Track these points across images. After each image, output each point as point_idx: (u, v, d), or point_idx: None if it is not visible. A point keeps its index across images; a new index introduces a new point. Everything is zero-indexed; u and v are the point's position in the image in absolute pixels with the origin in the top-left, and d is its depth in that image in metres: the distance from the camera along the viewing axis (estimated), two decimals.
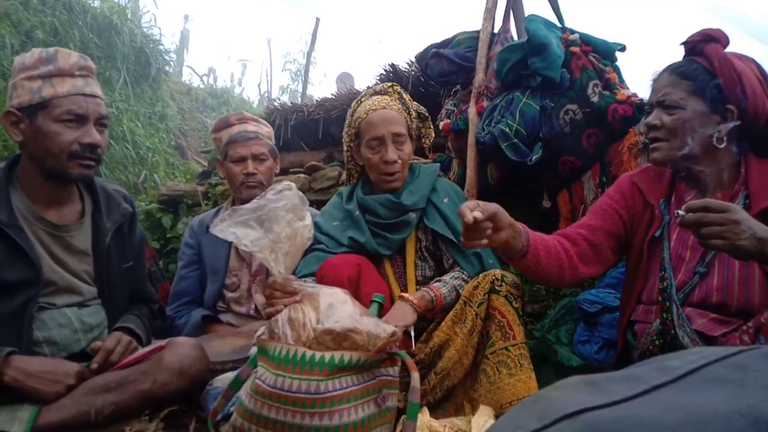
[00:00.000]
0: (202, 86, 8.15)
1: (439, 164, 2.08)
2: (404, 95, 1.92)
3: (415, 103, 1.96)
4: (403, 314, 1.58)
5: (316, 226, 1.87)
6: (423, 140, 2.00)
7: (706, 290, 1.38)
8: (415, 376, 1.30)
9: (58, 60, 1.50)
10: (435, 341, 1.59)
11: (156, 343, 1.62)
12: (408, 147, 1.84)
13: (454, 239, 1.76)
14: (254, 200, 1.40)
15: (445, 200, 1.85)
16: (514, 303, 1.52)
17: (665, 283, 1.40)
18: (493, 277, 1.55)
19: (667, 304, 1.38)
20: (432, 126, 2.01)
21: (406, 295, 1.65)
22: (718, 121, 1.39)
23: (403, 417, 1.27)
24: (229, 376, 1.55)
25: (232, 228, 1.37)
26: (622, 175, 1.69)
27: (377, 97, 1.89)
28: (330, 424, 1.22)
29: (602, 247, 1.54)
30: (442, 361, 1.55)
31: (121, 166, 5.17)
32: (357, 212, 1.85)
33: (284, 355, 1.28)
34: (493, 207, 1.35)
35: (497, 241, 1.37)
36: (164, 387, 1.44)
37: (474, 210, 1.29)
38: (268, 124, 2.34)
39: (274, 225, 1.36)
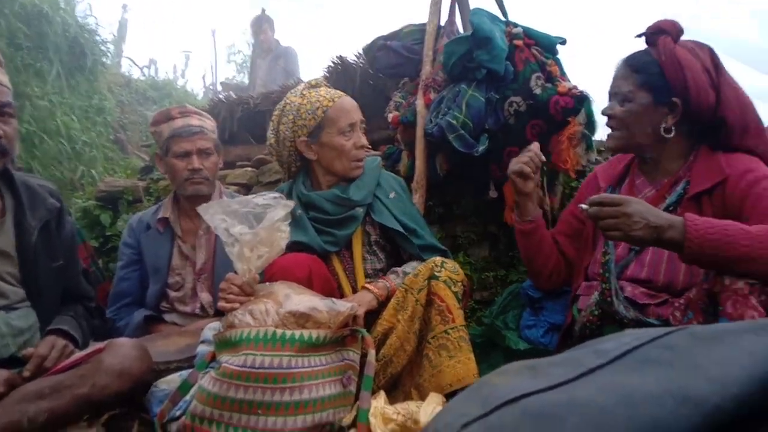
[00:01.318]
0: (142, 78, 7.82)
1: (380, 158, 2.07)
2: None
3: None
4: (363, 299, 1.64)
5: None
6: None
7: (640, 265, 1.49)
8: (372, 352, 1.41)
9: None
10: (378, 329, 1.61)
11: (94, 346, 1.54)
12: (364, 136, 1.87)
13: (404, 232, 1.77)
14: (247, 197, 1.50)
15: (391, 195, 1.86)
16: (453, 287, 1.55)
17: (607, 257, 1.50)
18: (433, 264, 1.58)
19: (607, 275, 1.47)
20: None
21: (368, 284, 1.70)
22: (666, 112, 1.48)
23: (361, 391, 1.35)
24: (175, 377, 1.50)
25: (221, 214, 1.43)
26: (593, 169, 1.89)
27: (323, 89, 1.86)
28: (300, 399, 1.30)
29: (576, 242, 1.73)
30: (384, 348, 1.57)
31: (56, 161, 4.90)
32: (299, 211, 1.80)
33: (254, 335, 1.34)
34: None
35: (526, 189, 1.64)
36: (104, 390, 1.37)
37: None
38: (212, 118, 2.27)
39: (261, 226, 1.43)
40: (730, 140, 1.47)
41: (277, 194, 1.52)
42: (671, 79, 1.45)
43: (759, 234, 1.19)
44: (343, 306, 1.43)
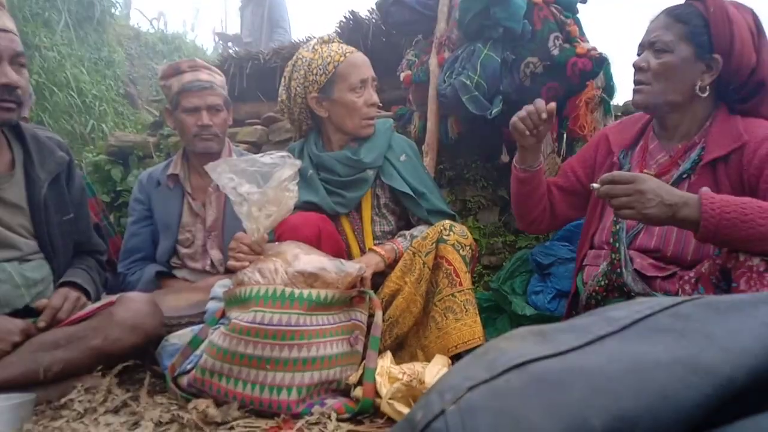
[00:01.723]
0: (151, 31, 7.69)
1: (392, 120, 2.04)
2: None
3: None
4: (370, 261, 1.64)
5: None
6: None
7: (648, 236, 1.46)
8: (379, 313, 1.43)
9: None
10: (385, 291, 1.63)
11: (107, 299, 1.57)
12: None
13: (413, 195, 1.76)
14: (255, 156, 1.48)
15: (402, 157, 1.83)
16: (461, 251, 1.56)
17: (618, 226, 1.48)
18: (442, 227, 1.58)
19: (617, 245, 1.45)
20: None
21: (375, 247, 1.70)
22: (704, 69, 1.41)
23: (368, 351, 1.38)
24: (186, 332, 1.53)
25: (229, 173, 1.43)
26: (603, 129, 1.80)
27: (335, 44, 1.82)
28: (307, 356, 1.32)
29: (567, 199, 1.71)
30: (390, 309, 1.59)
31: (66, 115, 4.88)
32: (310, 171, 1.80)
33: (263, 293, 1.36)
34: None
35: (529, 139, 1.57)
36: (116, 343, 1.41)
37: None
38: (221, 73, 2.23)
39: (269, 185, 1.42)
40: (760, 105, 1.42)
41: (284, 153, 1.50)
42: (717, 34, 1.38)
43: None
44: (352, 267, 1.44)
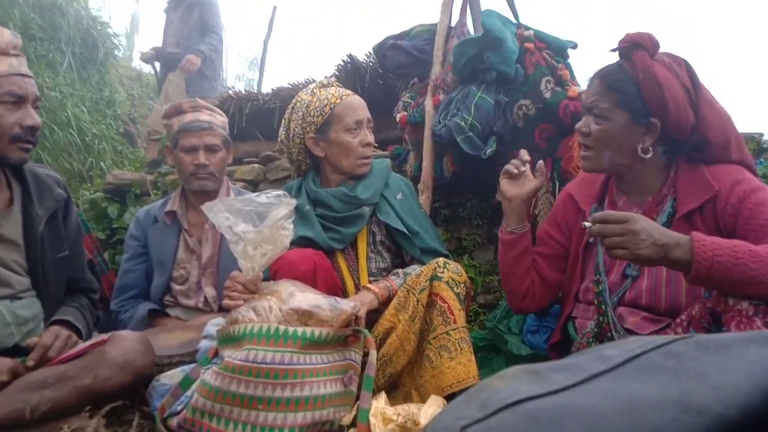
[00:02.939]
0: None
1: (389, 159, 2.08)
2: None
3: None
4: (365, 299, 1.63)
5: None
6: None
7: (636, 292, 1.43)
8: (373, 353, 1.42)
9: None
10: (379, 329, 1.61)
11: (98, 337, 1.55)
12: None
13: (408, 233, 1.77)
14: (251, 195, 1.49)
15: (398, 196, 1.86)
16: (455, 288, 1.55)
17: (600, 287, 1.45)
18: (436, 265, 1.58)
19: (603, 307, 1.43)
20: None
21: (369, 285, 1.69)
22: (643, 132, 1.40)
23: (362, 391, 1.35)
24: (177, 372, 1.51)
25: (225, 212, 1.44)
26: (564, 188, 1.76)
27: (335, 87, 1.88)
28: (300, 395, 1.30)
29: (553, 264, 1.65)
30: (384, 348, 1.57)
31: (65, 153, 4.92)
32: (307, 207, 1.82)
33: (257, 330, 1.35)
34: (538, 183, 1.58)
35: (511, 192, 1.56)
36: (106, 382, 1.38)
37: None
38: (223, 113, 2.28)
39: (264, 224, 1.43)
40: (712, 156, 1.40)
41: (280, 192, 1.52)
42: (649, 99, 1.36)
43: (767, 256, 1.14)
44: (347, 305, 1.44)
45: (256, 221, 1.44)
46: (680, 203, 1.40)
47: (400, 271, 1.78)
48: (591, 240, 1.52)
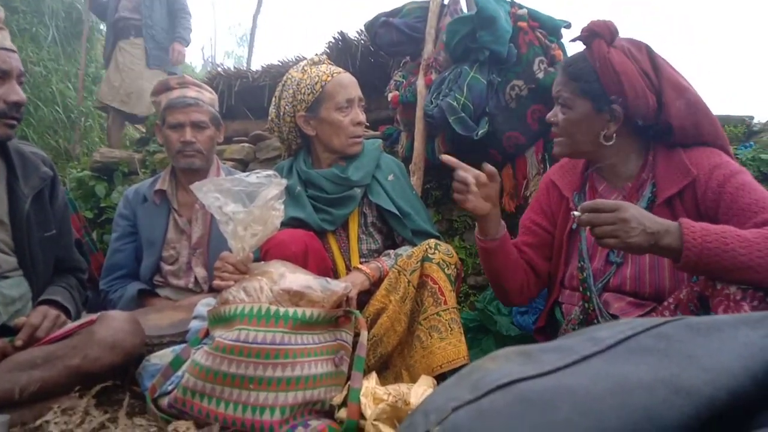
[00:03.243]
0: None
1: (381, 140, 2.06)
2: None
3: None
4: (356, 279, 1.63)
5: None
6: None
7: (621, 279, 1.44)
8: (364, 333, 1.42)
9: None
10: (370, 310, 1.62)
11: (87, 317, 1.54)
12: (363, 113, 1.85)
13: (399, 215, 1.77)
14: (241, 175, 1.46)
15: (390, 177, 1.85)
16: (446, 270, 1.55)
17: (584, 274, 1.46)
18: (427, 246, 1.58)
19: (588, 293, 1.44)
20: None
21: (361, 265, 1.69)
22: (607, 119, 1.42)
23: (353, 371, 1.36)
24: (167, 352, 1.50)
25: (214, 192, 1.42)
26: (544, 174, 1.75)
27: (323, 65, 1.85)
28: (291, 375, 1.30)
29: (542, 252, 1.63)
30: (374, 328, 1.58)
31: (51, 130, 4.85)
32: (298, 188, 1.81)
33: (248, 311, 1.35)
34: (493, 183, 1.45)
35: (480, 209, 1.43)
36: (96, 362, 1.37)
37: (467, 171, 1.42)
38: (212, 90, 2.24)
39: (254, 205, 1.41)
40: (684, 140, 1.41)
41: (270, 172, 1.50)
42: (608, 86, 1.38)
43: (756, 240, 1.15)
44: (338, 286, 1.44)
45: (246, 201, 1.43)
46: (660, 189, 1.41)
47: (391, 252, 1.78)
48: (574, 227, 1.53)
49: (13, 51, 1.46)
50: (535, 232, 1.63)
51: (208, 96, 2.15)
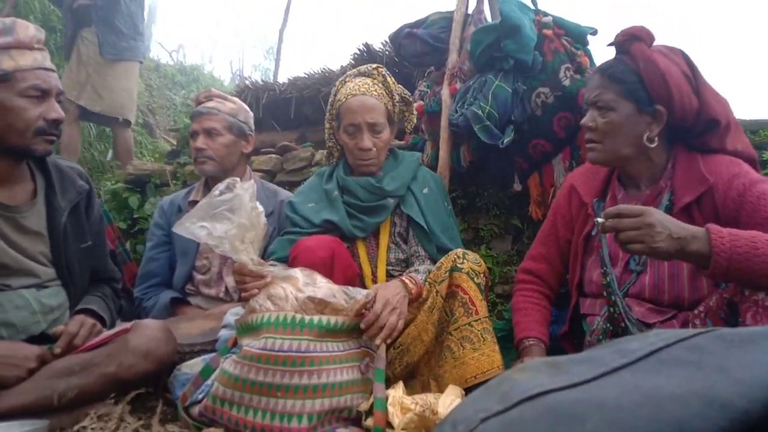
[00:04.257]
0: (171, 63, 7.92)
1: (421, 153, 2.09)
2: (389, 78, 1.91)
3: (399, 87, 1.95)
4: (394, 289, 1.53)
5: (291, 206, 1.91)
6: (405, 124, 2.02)
7: (640, 287, 1.43)
8: (383, 347, 1.43)
9: (16, 31, 1.44)
10: None
11: (121, 326, 1.58)
12: (385, 134, 1.85)
13: (425, 227, 1.77)
14: (207, 198, 1.45)
15: (425, 190, 1.87)
16: (475, 279, 1.55)
17: (608, 279, 1.44)
18: (455, 256, 1.58)
19: (613, 298, 1.42)
20: (414, 110, 2.02)
21: (405, 279, 1.60)
22: (649, 121, 1.41)
23: (374, 383, 1.37)
24: (197, 361, 1.53)
25: (198, 223, 1.43)
26: (566, 178, 1.75)
27: (360, 79, 1.87)
28: (318, 383, 1.32)
29: (565, 261, 1.66)
30: (401, 337, 1.58)
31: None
32: (336, 192, 1.85)
33: (273, 319, 1.37)
34: None
35: None
36: (130, 370, 1.41)
37: None
38: (238, 102, 2.29)
39: (239, 214, 1.42)
40: (712, 141, 1.41)
41: (228, 180, 1.49)
42: (653, 88, 1.38)
43: None
44: (359, 293, 1.45)
45: (230, 216, 1.43)
46: (677, 196, 1.40)
47: (420, 268, 1.75)
48: (594, 232, 1.52)
49: (53, 70, 1.52)
50: (557, 245, 1.66)
51: (229, 106, 2.20)
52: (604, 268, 1.46)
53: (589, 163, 1.61)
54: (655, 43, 1.44)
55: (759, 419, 0.37)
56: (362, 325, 1.42)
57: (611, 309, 1.42)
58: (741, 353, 0.41)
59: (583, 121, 1.50)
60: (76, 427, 1.30)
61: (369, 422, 1.30)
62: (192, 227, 1.43)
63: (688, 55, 1.43)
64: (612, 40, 1.46)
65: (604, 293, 1.44)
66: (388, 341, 1.44)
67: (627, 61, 1.42)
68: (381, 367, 1.40)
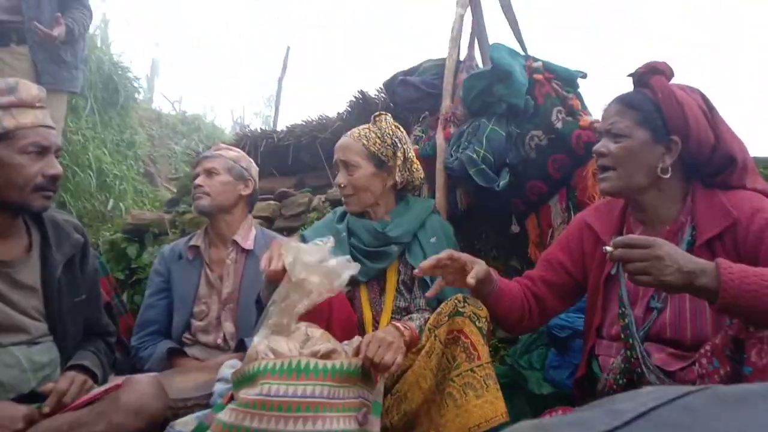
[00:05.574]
0: (173, 113, 8.06)
1: (433, 200, 2.10)
2: (383, 123, 1.95)
3: (399, 132, 1.96)
4: (388, 329, 1.56)
5: (302, 239, 1.94)
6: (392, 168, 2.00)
7: (660, 326, 1.39)
8: (381, 382, 1.46)
9: (19, 91, 1.49)
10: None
11: (114, 381, 1.55)
12: (360, 173, 1.87)
13: (427, 280, 1.75)
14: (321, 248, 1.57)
15: (432, 240, 1.86)
16: (477, 323, 1.51)
17: (626, 320, 1.41)
18: (456, 300, 1.54)
19: (630, 341, 1.38)
20: (401, 158, 1.94)
21: (398, 324, 1.60)
22: (663, 151, 1.41)
23: (369, 416, 1.39)
24: (191, 419, 1.50)
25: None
26: (576, 215, 1.72)
27: (365, 128, 1.96)
28: (313, 429, 1.29)
29: (557, 292, 1.61)
30: (398, 384, 1.55)
31: (87, 194, 5.04)
32: (344, 233, 1.87)
33: (270, 366, 1.36)
34: (483, 271, 1.47)
35: (461, 285, 1.48)
36: (120, 428, 1.37)
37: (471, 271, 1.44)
38: (238, 151, 2.38)
39: (325, 266, 1.52)
40: (732, 179, 1.40)
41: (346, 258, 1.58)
42: (670, 117, 1.38)
43: None
44: (355, 341, 1.47)
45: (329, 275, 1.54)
46: (699, 231, 1.37)
47: (415, 316, 1.74)
48: (613, 271, 1.49)
49: (53, 128, 1.55)
50: (556, 270, 1.60)
51: (232, 154, 2.30)
52: (622, 309, 1.42)
53: (599, 202, 1.60)
54: (673, 81, 1.46)
55: None
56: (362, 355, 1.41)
57: (627, 352, 1.38)
58: (735, 415, 0.39)
59: (595, 147, 1.48)
60: None
61: None
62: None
63: (705, 95, 1.44)
64: (632, 71, 1.48)
65: (622, 335, 1.40)
66: (393, 368, 1.43)
67: (646, 92, 1.44)
68: (379, 400, 1.40)
